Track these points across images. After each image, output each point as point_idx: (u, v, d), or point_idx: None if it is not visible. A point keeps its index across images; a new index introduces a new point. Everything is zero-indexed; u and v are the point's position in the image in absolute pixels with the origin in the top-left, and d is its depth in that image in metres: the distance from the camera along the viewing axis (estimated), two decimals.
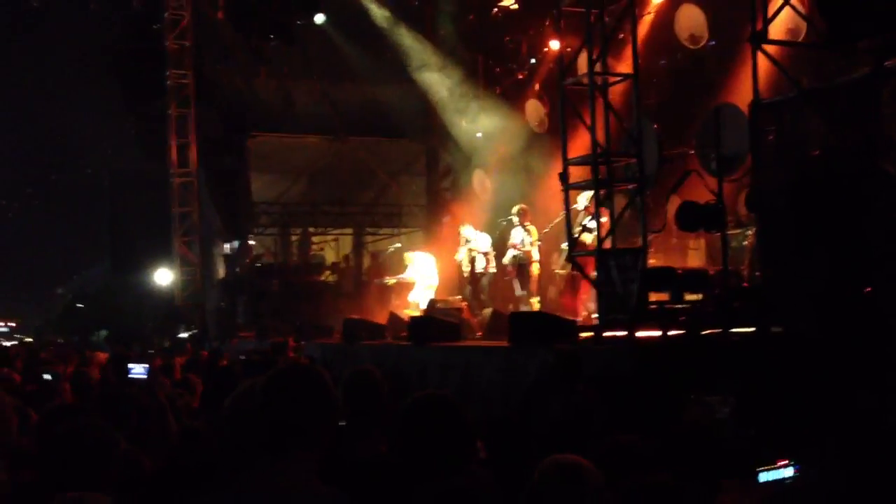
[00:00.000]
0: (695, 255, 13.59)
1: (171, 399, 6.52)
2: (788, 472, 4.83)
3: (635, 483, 3.22)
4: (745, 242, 12.37)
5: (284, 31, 20.26)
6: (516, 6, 17.88)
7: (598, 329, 9.17)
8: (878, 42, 7.98)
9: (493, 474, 3.98)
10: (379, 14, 19.92)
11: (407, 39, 20.07)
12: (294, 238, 23.98)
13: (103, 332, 27.05)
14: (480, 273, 15.32)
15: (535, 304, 14.54)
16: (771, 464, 4.74)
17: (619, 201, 10.30)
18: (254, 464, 2.91)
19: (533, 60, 18.83)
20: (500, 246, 15.36)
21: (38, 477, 3.58)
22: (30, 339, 25.26)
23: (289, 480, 2.73)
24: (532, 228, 14.47)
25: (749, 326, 8.19)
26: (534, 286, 14.74)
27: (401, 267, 17.29)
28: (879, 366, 6.19)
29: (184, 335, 21.99)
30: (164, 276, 24.24)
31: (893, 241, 6.98)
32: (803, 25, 10.69)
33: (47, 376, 9.50)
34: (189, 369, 11.06)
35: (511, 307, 14.24)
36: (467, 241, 15.31)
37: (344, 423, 3.64)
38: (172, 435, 4.81)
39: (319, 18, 19.77)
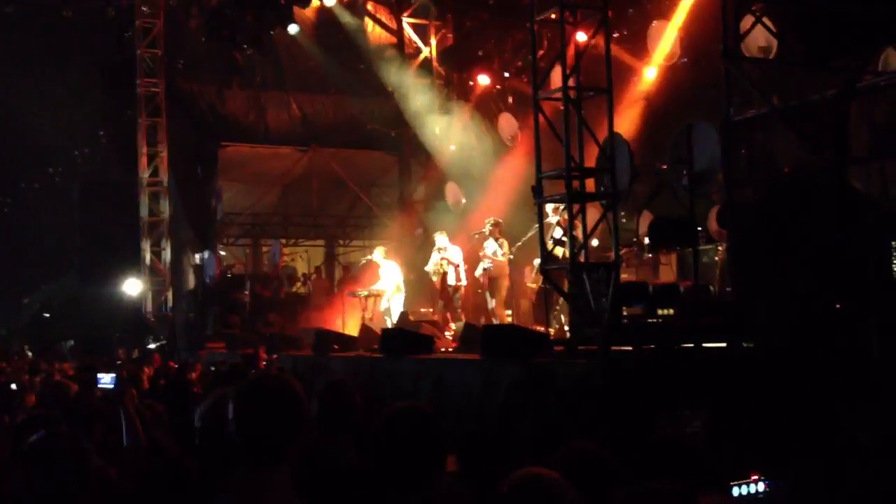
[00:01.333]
0: (666, 270, 13.68)
1: (139, 410, 6.45)
2: (760, 486, 4.86)
3: (645, 489, 3.21)
4: (716, 258, 12.49)
5: (257, 41, 20.18)
6: (491, 19, 17.94)
7: (570, 343, 9.18)
8: (849, 62, 8.08)
9: (466, 488, 3.96)
10: (353, 25, 19.92)
11: (379, 51, 20.10)
12: (265, 249, 23.86)
13: (69, 343, 26.71)
14: (452, 286, 15.31)
15: (507, 317, 14.56)
16: (743, 478, 4.76)
17: (592, 216, 10.35)
18: (227, 476, 2.86)
19: (507, 74, 18.92)
20: (472, 259, 15.37)
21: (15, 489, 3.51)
22: None
23: (263, 492, 2.70)
24: (504, 241, 14.50)
25: (720, 341, 8.23)
26: (506, 299, 14.75)
27: (373, 277, 17.23)
28: (854, 381, 6.24)
29: (152, 346, 21.78)
30: (132, 287, 24.00)
31: (865, 257, 7.05)
32: (774, 43, 10.82)
33: (13, 386, 9.38)
34: (157, 381, 10.95)
35: (483, 320, 14.24)
36: (441, 250, 15.27)
37: (318, 434, 3.61)
38: (141, 447, 4.74)
39: (293, 29, 19.74)
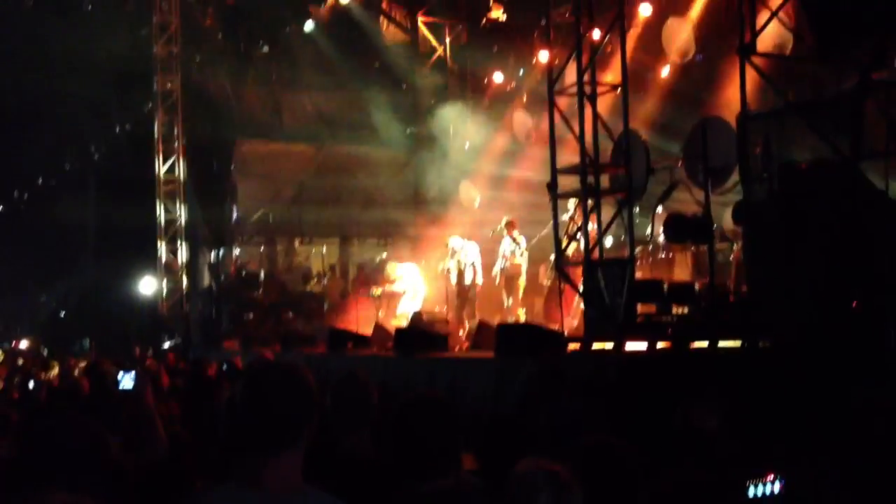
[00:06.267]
0: (681, 269, 13.61)
1: (157, 406, 6.48)
2: (777, 486, 4.82)
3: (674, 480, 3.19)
4: (731, 257, 12.43)
5: (273, 38, 20.24)
6: (505, 17, 17.92)
7: (585, 340, 9.16)
8: (865, 55, 8.03)
9: (483, 482, 3.96)
10: (368, 23, 19.95)
11: (394, 49, 20.12)
12: (280, 247, 23.89)
13: (86, 341, 26.82)
14: (468, 284, 15.29)
15: (522, 315, 14.53)
16: (759, 477, 4.73)
17: (607, 214, 10.32)
18: (240, 466, 2.86)
19: (521, 72, 18.89)
20: (487, 257, 15.35)
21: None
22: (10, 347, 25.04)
23: (274, 481, 2.70)
24: (521, 239, 14.48)
25: (736, 339, 8.19)
26: (521, 297, 14.73)
27: (387, 278, 17.24)
28: (870, 377, 6.20)
29: (166, 345, 21.85)
30: (148, 285, 24.07)
31: (881, 253, 7.01)
32: (789, 40, 10.77)
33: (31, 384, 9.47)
34: (172, 381, 10.98)
35: (498, 318, 14.22)
36: (455, 252, 15.27)
37: (333, 424, 3.61)
38: (162, 442, 4.76)
39: (309, 26, 19.76)
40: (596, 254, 9.83)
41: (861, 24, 7.95)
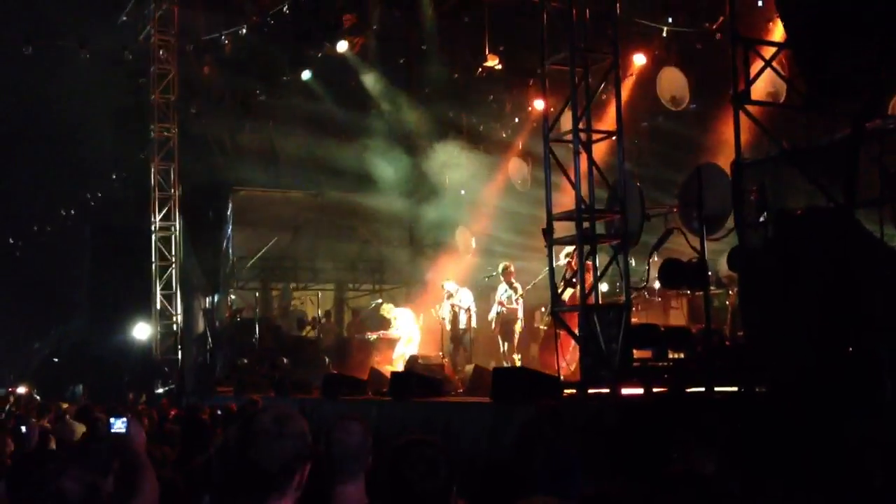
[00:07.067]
0: (676, 314, 13.61)
1: (149, 451, 6.42)
2: None
3: None
4: (727, 302, 12.44)
5: (270, 86, 20.43)
6: (500, 66, 18.11)
7: (581, 385, 9.13)
8: (858, 104, 8.10)
9: None
10: (365, 71, 20.14)
11: (391, 97, 20.29)
12: (275, 293, 23.86)
13: (79, 388, 26.65)
14: (463, 329, 15.28)
15: (517, 360, 14.52)
16: None
17: (602, 260, 10.35)
18: None
19: (517, 119, 19.06)
20: (482, 302, 15.35)
21: None
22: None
23: None
24: (517, 286, 14.52)
25: (732, 385, 8.17)
26: (517, 343, 14.71)
27: (382, 322, 17.22)
28: (866, 423, 6.17)
29: (160, 391, 21.73)
30: (142, 331, 23.99)
31: (875, 297, 7.01)
32: (783, 89, 10.88)
33: (23, 429, 9.37)
34: (163, 425, 10.91)
35: (494, 363, 14.19)
36: (450, 296, 15.29)
37: (326, 469, 3.58)
38: (153, 487, 4.71)
39: (306, 75, 19.95)
40: (592, 299, 9.83)
41: (854, 73, 8.04)
